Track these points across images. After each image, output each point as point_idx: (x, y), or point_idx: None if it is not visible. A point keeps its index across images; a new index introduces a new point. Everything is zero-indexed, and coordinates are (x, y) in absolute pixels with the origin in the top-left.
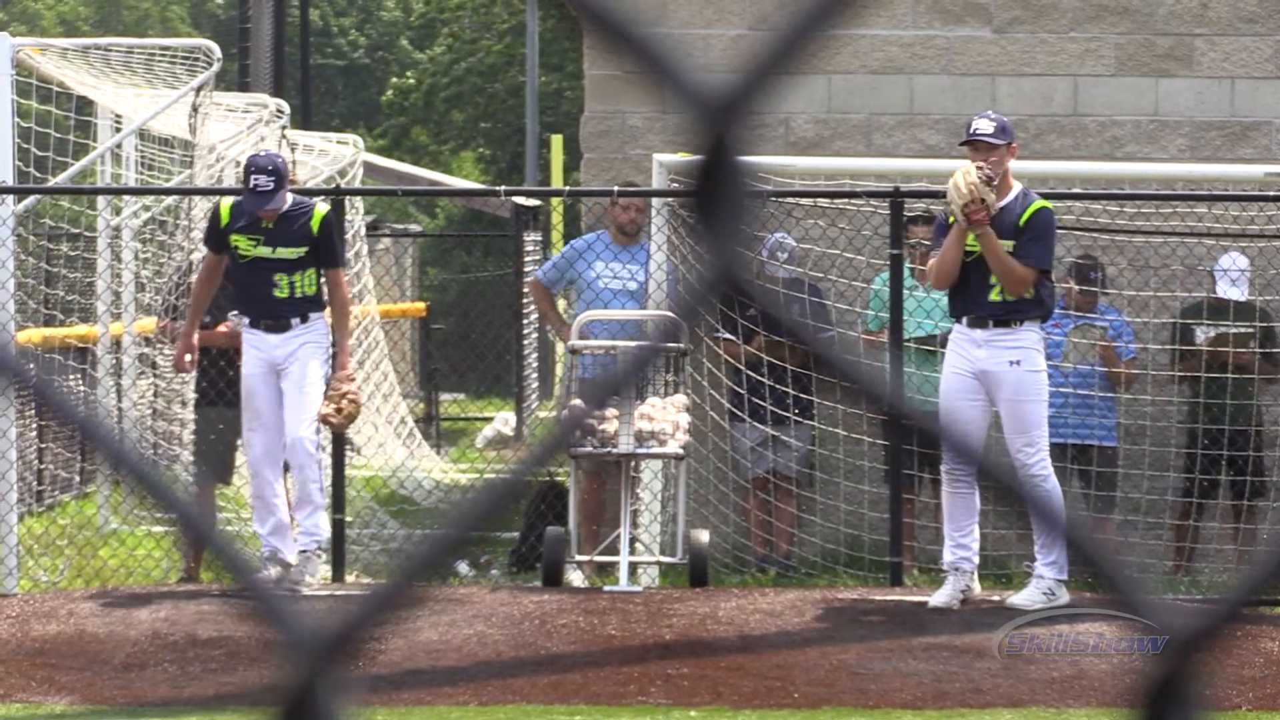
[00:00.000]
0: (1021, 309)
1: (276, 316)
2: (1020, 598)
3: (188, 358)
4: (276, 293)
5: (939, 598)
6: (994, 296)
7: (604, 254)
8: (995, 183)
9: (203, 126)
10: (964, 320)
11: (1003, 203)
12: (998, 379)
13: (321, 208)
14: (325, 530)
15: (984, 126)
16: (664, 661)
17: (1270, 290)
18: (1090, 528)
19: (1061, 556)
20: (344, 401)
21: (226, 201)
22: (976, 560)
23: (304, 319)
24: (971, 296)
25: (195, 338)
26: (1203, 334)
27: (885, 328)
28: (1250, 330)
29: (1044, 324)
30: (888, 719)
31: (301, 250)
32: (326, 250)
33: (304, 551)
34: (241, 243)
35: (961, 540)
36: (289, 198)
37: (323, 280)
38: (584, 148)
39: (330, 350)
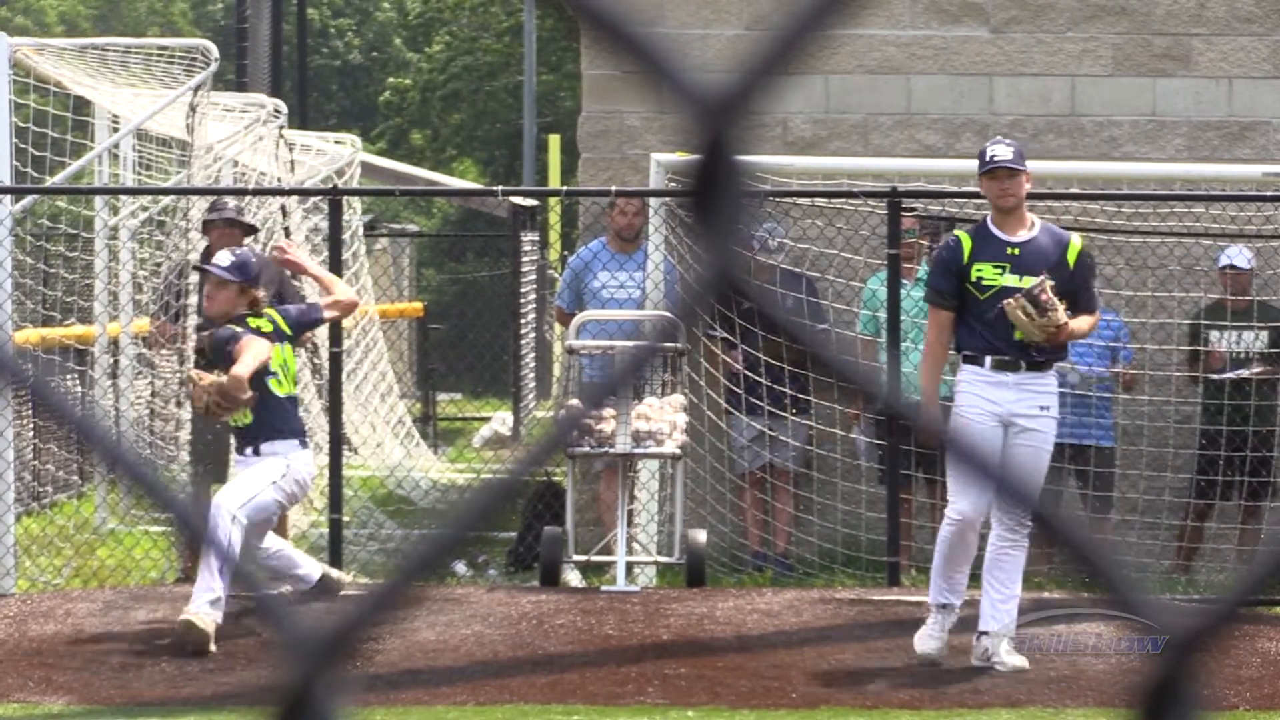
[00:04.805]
0: (1052, 352)
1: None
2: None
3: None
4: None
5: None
6: (1019, 336)
7: (609, 264)
8: (1047, 300)
9: (200, 126)
10: (986, 363)
11: (1025, 237)
12: (1024, 424)
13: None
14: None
15: (1002, 153)
16: (661, 661)
17: (1267, 290)
18: (1088, 527)
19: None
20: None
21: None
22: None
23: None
24: (997, 335)
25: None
26: (1216, 337)
27: (881, 330)
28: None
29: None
30: (885, 719)
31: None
32: (296, 327)
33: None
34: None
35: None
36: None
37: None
38: (581, 147)
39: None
